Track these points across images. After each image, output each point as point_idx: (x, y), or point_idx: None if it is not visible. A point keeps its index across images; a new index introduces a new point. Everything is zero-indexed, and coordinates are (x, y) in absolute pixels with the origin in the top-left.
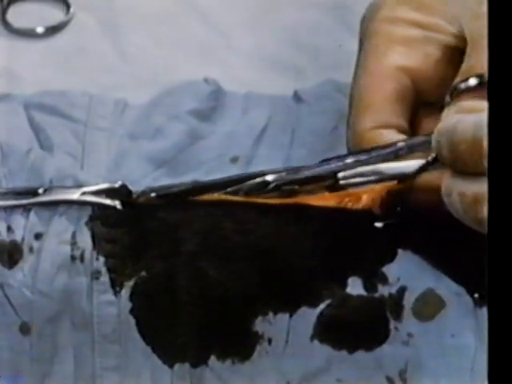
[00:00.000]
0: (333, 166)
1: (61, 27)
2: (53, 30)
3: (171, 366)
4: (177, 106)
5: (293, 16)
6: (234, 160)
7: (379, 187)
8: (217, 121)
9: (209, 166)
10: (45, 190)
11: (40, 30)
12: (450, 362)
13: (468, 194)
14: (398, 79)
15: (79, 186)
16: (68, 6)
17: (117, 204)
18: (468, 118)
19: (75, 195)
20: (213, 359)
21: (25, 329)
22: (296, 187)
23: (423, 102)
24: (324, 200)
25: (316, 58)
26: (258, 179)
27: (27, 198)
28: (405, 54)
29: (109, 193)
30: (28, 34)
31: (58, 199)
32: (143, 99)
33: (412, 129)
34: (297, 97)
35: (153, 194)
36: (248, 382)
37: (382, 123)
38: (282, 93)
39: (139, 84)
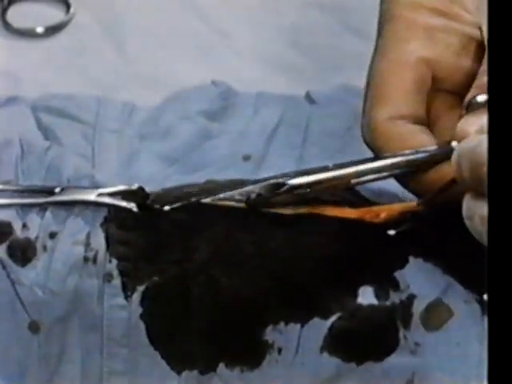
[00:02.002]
0: (346, 171)
1: (61, 27)
2: (53, 30)
3: (179, 373)
4: (186, 108)
5: (293, 16)
6: (247, 158)
7: (398, 206)
8: (228, 120)
9: (221, 163)
10: (61, 190)
11: (40, 29)
12: (455, 371)
13: None
14: (417, 69)
15: (96, 186)
16: (68, 6)
17: (132, 206)
18: None
19: (92, 196)
20: (221, 367)
21: (34, 327)
22: (308, 190)
23: (441, 89)
24: (344, 214)
25: (316, 58)
26: (271, 181)
27: (44, 196)
28: (426, 44)
29: (125, 195)
30: (28, 33)
31: (75, 199)
32: (144, 99)
33: (429, 117)
34: (309, 98)
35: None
36: None
37: (399, 114)
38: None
39: (140, 84)
